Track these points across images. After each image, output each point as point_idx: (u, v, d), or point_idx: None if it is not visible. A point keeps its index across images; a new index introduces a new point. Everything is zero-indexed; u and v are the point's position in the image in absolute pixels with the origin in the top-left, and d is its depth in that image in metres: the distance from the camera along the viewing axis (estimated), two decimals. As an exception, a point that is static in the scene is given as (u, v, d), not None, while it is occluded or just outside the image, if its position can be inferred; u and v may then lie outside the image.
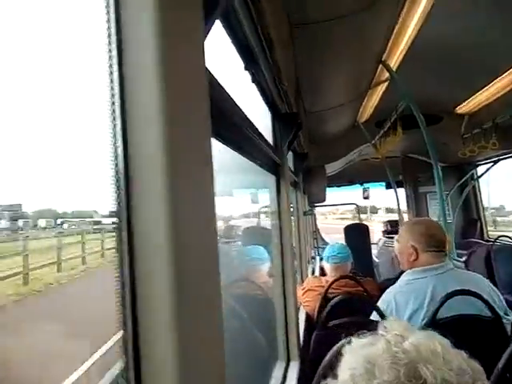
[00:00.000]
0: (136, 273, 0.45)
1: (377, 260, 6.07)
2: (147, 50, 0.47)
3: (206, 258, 0.54)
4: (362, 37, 2.34)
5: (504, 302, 1.83)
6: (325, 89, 3.03)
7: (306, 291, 2.77)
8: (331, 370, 0.67)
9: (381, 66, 2.85)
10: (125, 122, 0.48)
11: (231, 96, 1.06)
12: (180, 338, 0.44)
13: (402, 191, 6.74)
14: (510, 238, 4.99)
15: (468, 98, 3.95)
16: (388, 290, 1.90)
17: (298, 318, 2.06)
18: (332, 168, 5.29)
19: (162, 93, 0.47)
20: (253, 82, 1.65)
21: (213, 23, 0.78)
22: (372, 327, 0.68)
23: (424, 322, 1.68)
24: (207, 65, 0.66)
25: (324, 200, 5.09)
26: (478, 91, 3.69)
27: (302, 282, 3.19)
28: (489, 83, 3.49)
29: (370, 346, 0.61)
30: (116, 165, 0.48)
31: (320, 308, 2.30)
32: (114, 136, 0.49)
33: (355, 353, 0.62)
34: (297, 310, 2.04)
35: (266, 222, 2.85)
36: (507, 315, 1.79)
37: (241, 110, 1.20)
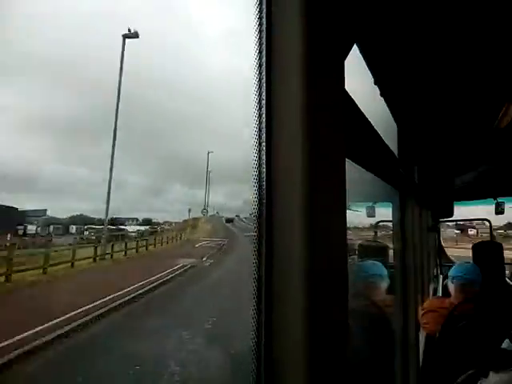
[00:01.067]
0: (273, 272, 0.51)
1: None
2: (293, 76, 0.51)
3: (335, 266, 0.57)
4: None
5: None
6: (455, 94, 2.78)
7: (426, 312, 2.60)
8: None
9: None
10: (270, 134, 0.53)
11: (365, 115, 1.05)
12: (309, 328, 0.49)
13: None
14: None
15: None
16: None
17: (418, 341, 2.00)
18: (461, 180, 4.81)
19: (304, 116, 0.50)
20: (381, 95, 1.62)
21: (352, 45, 0.79)
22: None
23: None
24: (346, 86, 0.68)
25: (451, 215, 4.66)
26: None
27: (423, 301, 2.97)
28: None
29: None
30: (258, 175, 0.53)
31: (444, 330, 2.15)
32: (259, 147, 0.54)
33: None
34: (417, 330, 1.97)
35: (384, 237, 2.73)
36: None
37: (374, 130, 1.19)
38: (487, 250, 5.20)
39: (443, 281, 3.96)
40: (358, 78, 1.49)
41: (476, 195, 6.31)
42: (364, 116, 1.07)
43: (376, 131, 1.26)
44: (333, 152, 0.59)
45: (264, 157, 0.53)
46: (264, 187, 0.52)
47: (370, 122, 1.16)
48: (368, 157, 1.25)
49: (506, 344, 1.65)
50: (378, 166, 1.46)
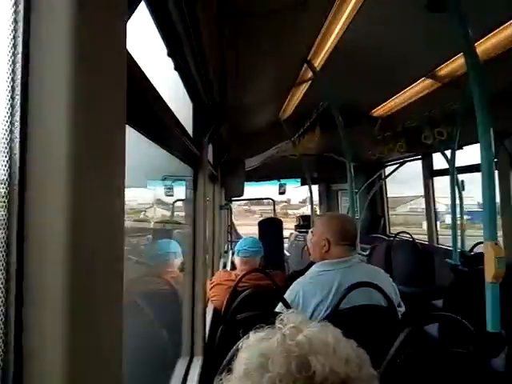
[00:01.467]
0: (25, 265, 0.40)
1: (287, 254, 6.25)
2: (58, 22, 0.40)
3: (109, 254, 0.50)
4: (290, 34, 2.32)
5: (399, 296, 2.00)
6: (250, 83, 2.97)
7: (214, 285, 2.73)
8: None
9: (305, 64, 2.85)
10: (26, 93, 0.40)
11: (152, 82, 0.98)
12: (71, 339, 0.40)
13: (316, 188, 7.03)
14: (408, 233, 5.45)
15: (383, 103, 4.18)
16: (297, 281, 1.95)
17: (205, 313, 2.03)
18: (251, 163, 5.28)
19: (71, 70, 0.40)
20: (176, 69, 1.54)
21: (137, 5, 0.73)
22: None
23: (327, 312, 1.77)
24: (128, 48, 0.60)
25: (242, 194, 5.06)
26: (392, 97, 3.91)
27: (213, 276, 3.14)
28: (400, 91, 3.72)
29: (266, 340, 0.62)
30: (10, 148, 0.40)
31: (229, 302, 2.29)
32: (11, 111, 0.41)
33: (251, 347, 0.62)
34: (205, 304, 2.01)
35: (181, 216, 2.74)
36: (400, 307, 1.96)
37: (161, 98, 1.12)
38: (270, 226, 5.92)
39: (232, 256, 4.28)
40: (152, 46, 1.37)
41: (263, 177, 7.12)
42: (152, 86, 0.99)
43: (166, 104, 1.17)
44: (110, 119, 0.50)
45: (18, 123, 0.41)
46: (17, 163, 0.40)
47: (158, 93, 1.08)
48: (157, 130, 1.18)
49: (279, 308, 1.85)
50: (170, 141, 1.41)
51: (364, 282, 1.81)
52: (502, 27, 2.38)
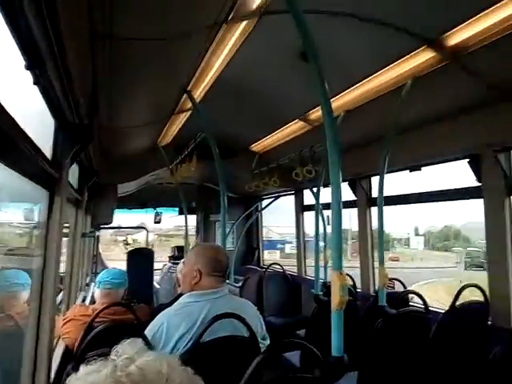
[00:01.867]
0: None
1: (158, 286, 5.98)
2: None
3: None
4: (169, 64, 2.31)
5: (264, 329, 2.02)
6: (125, 106, 2.86)
7: (67, 321, 2.45)
8: None
9: (185, 95, 2.84)
10: None
11: None
12: None
13: (193, 218, 6.94)
14: (279, 265, 5.68)
15: (260, 139, 4.39)
16: (162, 312, 1.86)
17: (51, 352, 1.84)
18: (125, 188, 5.00)
19: None
20: (35, 83, 1.38)
21: None
22: None
23: (188, 345, 1.73)
24: None
25: (111, 222, 4.73)
26: (269, 134, 4.13)
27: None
28: (275, 130, 3.96)
29: (97, 372, 0.60)
30: None
31: (82, 339, 2.05)
32: None
33: (79, 381, 0.60)
34: (51, 342, 1.80)
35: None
36: (264, 340, 1.98)
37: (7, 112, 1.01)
38: (140, 256, 5.61)
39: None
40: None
41: (139, 204, 6.80)
42: None
43: (12, 118, 1.04)
44: None
45: None
46: None
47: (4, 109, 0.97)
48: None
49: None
50: (16, 158, 1.26)
51: (227, 313, 1.79)
52: (358, 84, 2.71)
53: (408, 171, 3.44)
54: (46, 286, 1.74)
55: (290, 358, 3.40)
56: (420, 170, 3.34)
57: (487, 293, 2.72)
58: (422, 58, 2.26)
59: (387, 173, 2.98)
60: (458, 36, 2.03)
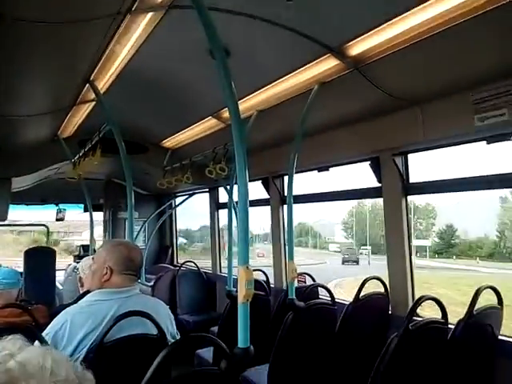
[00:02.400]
0: None
1: (61, 287, 5.55)
2: None
3: None
4: (68, 51, 2.15)
5: (175, 327, 2.02)
6: (19, 93, 2.60)
7: None
8: None
9: (88, 85, 2.64)
10: None
11: None
12: None
13: (100, 215, 6.54)
14: (193, 263, 5.62)
15: (173, 135, 4.26)
16: (66, 310, 1.78)
17: None
18: (21, 183, 4.53)
19: None
20: None
21: None
22: None
23: (93, 344, 1.68)
24: None
25: (5, 218, 4.29)
26: (182, 130, 4.03)
27: None
28: (188, 126, 3.87)
29: None
30: None
31: None
32: None
33: None
34: None
35: None
36: (174, 339, 1.95)
37: None
38: (40, 255, 5.15)
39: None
40: None
41: (38, 200, 6.26)
42: None
43: None
44: None
45: None
46: None
47: None
48: None
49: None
50: None
51: (132, 311, 1.75)
52: (269, 86, 2.75)
53: (317, 171, 3.59)
54: None
55: (203, 355, 3.39)
56: (328, 170, 3.51)
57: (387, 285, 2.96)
58: (327, 65, 2.36)
59: (297, 172, 3.07)
60: (360, 46, 2.14)
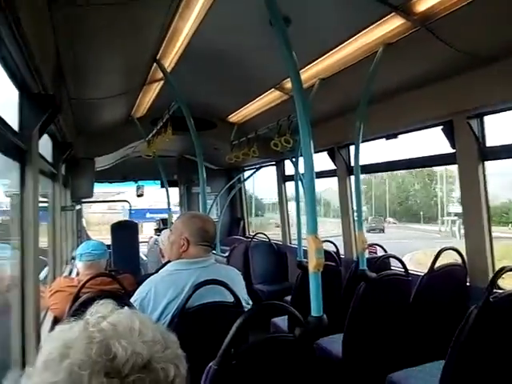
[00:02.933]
0: None
1: (144, 258, 6.03)
2: None
3: None
4: (134, 30, 2.24)
5: (246, 295, 2.08)
6: (94, 77, 2.79)
7: (54, 293, 2.53)
8: None
9: (155, 64, 2.76)
10: None
11: None
12: None
13: (176, 190, 6.92)
14: (264, 235, 5.75)
15: (239, 109, 4.32)
16: (149, 279, 1.91)
17: (38, 323, 1.90)
18: (103, 162, 4.94)
19: None
20: None
21: None
22: None
23: (176, 311, 1.80)
24: None
25: (91, 195, 4.72)
26: (246, 104, 4.07)
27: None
28: (252, 100, 3.89)
29: (69, 330, 0.62)
30: None
31: (70, 309, 2.10)
32: None
33: (53, 339, 0.62)
34: (38, 314, 1.85)
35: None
36: (248, 305, 2.04)
37: None
38: (124, 229, 5.63)
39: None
40: None
41: (119, 178, 6.76)
42: None
43: None
44: None
45: None
46: None
47: None
48: None
49: None
50: None
51: (211, 279, 1.84)
52: (331, 52, 2.65)
53: (384, 139, 3.44)
54: (27, 256, 1.76)
55: (278, 323, 3.51)
56: (396, 137, 3.34)
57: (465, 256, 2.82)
58: (392, 25, 2.22)
59: (363, 141, 2.97)
60: (427, 1, 1.98)
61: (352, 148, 3.85)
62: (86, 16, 1.86)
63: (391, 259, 3.32)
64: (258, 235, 5.86)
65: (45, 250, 3.19)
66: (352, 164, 3.75)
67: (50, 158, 3.10)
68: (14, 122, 1.73)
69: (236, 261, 5.24)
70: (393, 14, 2.12)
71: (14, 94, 1.81)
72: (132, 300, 1.84)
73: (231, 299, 1.90)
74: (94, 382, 0.55)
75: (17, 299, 1.76)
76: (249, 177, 6.55)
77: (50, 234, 3.28)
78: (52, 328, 2.27)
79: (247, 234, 6.87)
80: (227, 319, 1.48)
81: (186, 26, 2.37)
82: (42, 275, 3.16)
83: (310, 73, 2.96)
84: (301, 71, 2.31)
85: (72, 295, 2.25)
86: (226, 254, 5.42)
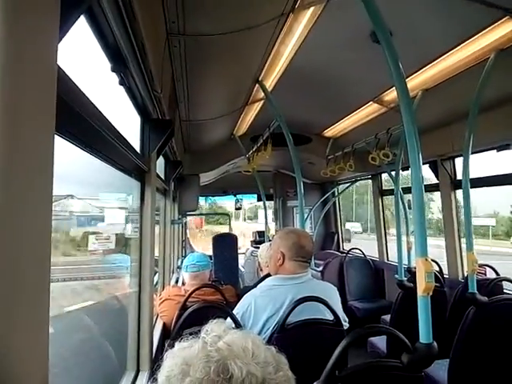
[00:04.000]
0: None
1: (242, 269, 6.24)
2: None
3: (33, 269, 0.53)
4: (240, 56, 2.39)
5: (342, 312, 2.04)
6: (202, 100, 3.01)
7: (163, 301, 2.72)
8: None
9: (257, 85, 2.92)
10: None
11: (89, 98, 0.99)
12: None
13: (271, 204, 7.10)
14: (360, 250, 5.60)
15: (334, 124, 4.33)
16: (249, 293, 1.95)
17: (152, 329, 2.01)
18: (206, 177, 5.28)
19: None
20: (120, 84, 1.55)
21: (74, 20, 0.74)
22: None
23: (276, 326, 1.81)
24: (62, 63, 0.66)
25: (196, 208, 5.05)
26: (343, 118, 4.07)
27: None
28: (348, 114, 3.88)
29: (189, 348, 0.66)
30: None
31: (178, 317, 2.27)
32: None
33: (174, 356, 0.66)
34: (151, 320, 1.97)
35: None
36: (345, 321, 2.00)
37: (99, 112, 1.12)
38: (225, 241, 5.91)
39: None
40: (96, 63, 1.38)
41: (218, 191, 7.15)
42: (90, 102, 1.00)
43: (104, 117, 1.16)
44: (37, 129, 0.54)
45: None
46: None
47: (97, 108, 1.08)
48: (96, 143, 1.19)
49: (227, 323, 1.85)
50: (113, 155, 1.43)
51: (311, 296, 1.84)
52: (435, 62, 2.56)
53: (495, 151, 3.17)
54: (144, 267, 1.91)
55: (376, 343, 3.40)
56: (510, 148, 3.05)
57: None
58: (505, 29, 2.08)
59: (472, 153, 2.78)
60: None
61: (457, 160, 3.62)
62: (197, 46, 2.03)
63: (504, 282, 3.03)
64: (353, 250, 5.73)
65: (156, 260, 3.49)
66: (457, 177, 3.53)
67: (162, 176, 3.42)
68: (136, 145, 1.91)
69: (330, 276, 5.17)
70: (506, 17, 1.99)
71: (136, 120, 2.05)
72: (234, 312, 1.90)
73: (329, 316, 1.88)
74: None
75: (134, 307, 1.89)
76: (344, 190, 6.47)
77: (160, 244, 3.56)
78: (161, 335, 2.50)
79: (341, 248, 6.76)
80: (327, 337, 1.49)
81: (287, 49, 2.48)
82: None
83: (413, 84, 2.88)
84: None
85: (179, 304, 2.43)
86: (320, 269, 5.38)
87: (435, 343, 1.55)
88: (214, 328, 0.69)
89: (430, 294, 1.58)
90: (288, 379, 0.65)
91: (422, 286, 1.56)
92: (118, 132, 1.35)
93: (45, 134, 0.56)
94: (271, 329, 1.83)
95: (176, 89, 2.51)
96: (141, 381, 1.78)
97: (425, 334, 1.55)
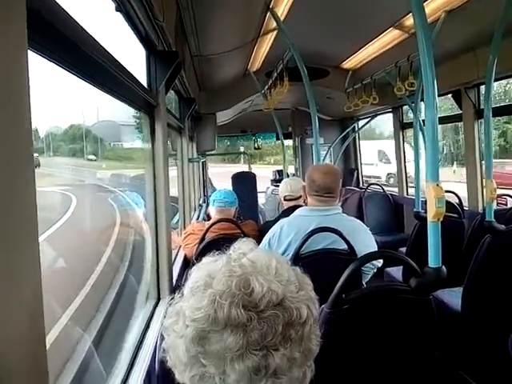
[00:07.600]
0: None
1: (262, 206, 6.36)
2: None
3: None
4: None
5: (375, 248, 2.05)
6: (212, 32, 2.91)
7: (187, 235, 2.85)
8: None
9: (269, 13, 2.79)
10: None
11: (81, 25, 0.94)
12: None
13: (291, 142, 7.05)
14: (379, 185, 5.59)
15: (353, 54, 4.13)
16: (281, 220, 2.06)
17: (170, 259, 2.08)
18: (224, 117, 5.23)
19: None
20: (117, 10, 1.48)
21: None
22: None
23: (293, 253, 1.88)
24: None
25: (214, 148, 5.07)
26: (361, 48, 3.87)
27: (185, 228, 3.24)
28: (367, 42, 3.68)
29: (214, 262, 0.68)
30: None
31: (198, 249, 2.39)
32: None
33: (200, 269, 0.68)
34: (170, 251, 2.03)
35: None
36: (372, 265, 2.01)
37: (99, 44, 1.09)
38: (244, 179, 5.99)
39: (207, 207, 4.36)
40: None
41: (236, 130, 7.10)
42: (83, 29, 0.95)
43: (103, 48, 1.12)
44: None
45: None
46: None
47: (92, 37, 1.03)
48: (99, 75, 1.16)
49: None
50: (118, 88, 1.40)
51: (323, 227, 1.89)
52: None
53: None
54: (159, 204, 1.92)
55: (392, 273, 3.49)
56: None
57: None
58: None
59: (496, 80, 2.64)
60: None
61: (482, 88, 3.45)
62: None
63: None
64: (372, 185, 5.72)
65: (176, 198, 3.61)
66: (481, 106, 3.37)
67: (177, 114, 3.41)
68: (143, 79, 1.85)
69: (349, 211, 5.16)
70: None
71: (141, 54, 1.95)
72: (264, 238, 2.01)
73: (342, 245, 1.91)
74: (233, 311, 0.58)
75: (152, 241, 1.94)
76: (364, 125, 6.32)
77: (179, 183, 3.63)
78: (182, 266, 2.61)
79: (361, 184, 6.75)
80: (340, 267, 1.54)
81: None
82: (175, 220, 3.56)
83: (434, 5, 2.69)
84: (424, 3, 2.10)
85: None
86: (340, 204, 5.42)
87: (444, 267, 1.57)
88: (242, 246, 0.71)
89: (441, 219, 1.59)
90: (310, 298, 0.66)
91: (433, 211, 1.56)
92: (122, 65, 1.32)
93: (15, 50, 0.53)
94: (290, 256, 1.89)
95: (183, 20, 2.42)
96: (161, 307, 1.87)
97: (434, 259, 1.57)
